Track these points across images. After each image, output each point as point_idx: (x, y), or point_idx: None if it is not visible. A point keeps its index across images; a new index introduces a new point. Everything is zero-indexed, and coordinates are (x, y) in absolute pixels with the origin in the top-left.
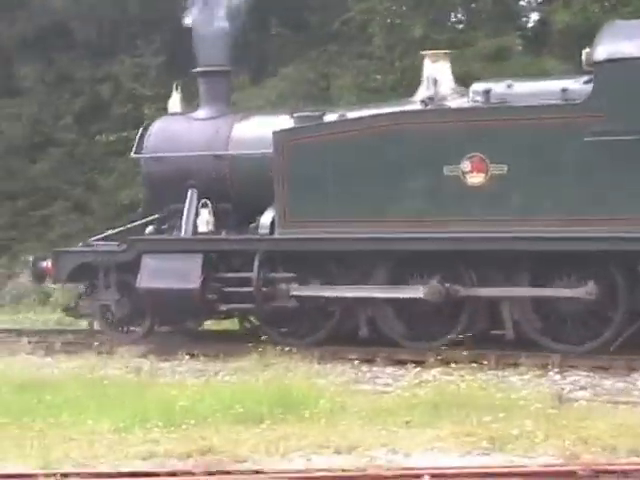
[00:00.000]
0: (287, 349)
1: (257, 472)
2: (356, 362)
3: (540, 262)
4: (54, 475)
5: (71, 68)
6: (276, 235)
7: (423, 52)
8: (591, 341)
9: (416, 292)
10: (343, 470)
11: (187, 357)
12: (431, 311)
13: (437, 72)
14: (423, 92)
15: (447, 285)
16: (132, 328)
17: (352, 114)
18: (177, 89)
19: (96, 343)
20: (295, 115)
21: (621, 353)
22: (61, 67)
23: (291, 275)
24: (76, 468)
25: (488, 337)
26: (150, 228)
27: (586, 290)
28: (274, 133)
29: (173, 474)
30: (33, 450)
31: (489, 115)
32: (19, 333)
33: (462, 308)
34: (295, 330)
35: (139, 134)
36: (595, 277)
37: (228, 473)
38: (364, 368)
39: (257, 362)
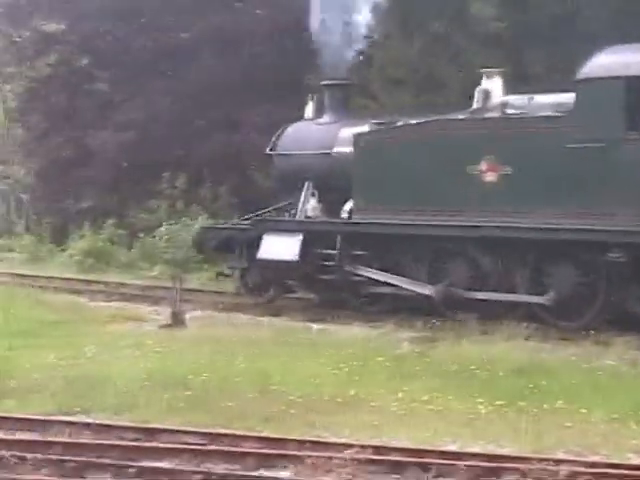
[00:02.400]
0: None
1: None
2: None
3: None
4: (547, 461)
5: None
6: (351, 219)
7: (481, 70)
8: None
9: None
10: None
11: None
12: None
13: (490, 86)
14: (475, 104)
15: None
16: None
17: (413, 121)
18: (312, 98)
19: (592, 332)
20: (371, 121)
21: None
22: None
23: (364, 253)
24: (569, 455)
25: None
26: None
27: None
28: (353, 135)
29: None
30: (527, 434)
31: (497, 124)
32: None
33: None
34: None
35: (275, 135)
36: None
37: None
38: None
39: None
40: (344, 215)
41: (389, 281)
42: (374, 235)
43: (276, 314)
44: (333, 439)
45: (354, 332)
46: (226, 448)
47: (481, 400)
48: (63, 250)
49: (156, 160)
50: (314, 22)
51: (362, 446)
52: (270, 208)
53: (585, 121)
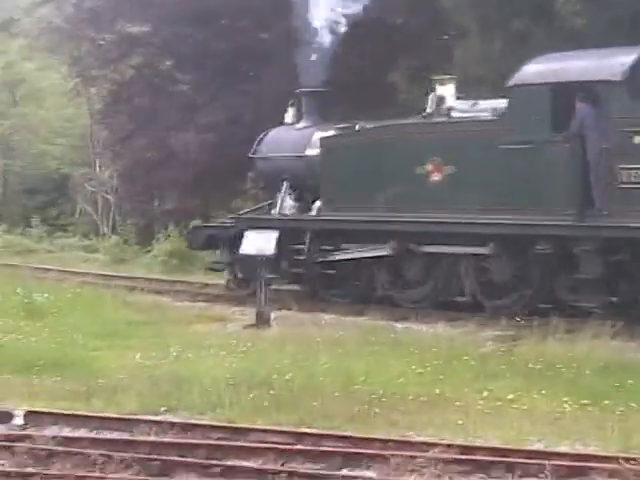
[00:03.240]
0: None
1: None
2: None
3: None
4: (634, 460)
5: None
6: (318, 217)
7: (434, 77)
8: None
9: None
10: None
11: None
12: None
13: (443, 92)
14: (428, 109)
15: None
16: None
17: (370, 125)
18: (292, 105)
19: None
20: (335, 126)
21: None
22: None
23: (330, 247)
24: None
25: None
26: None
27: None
28: (320, 139)
29: None
30: (614, 433)
31: (441, 128)
32: None
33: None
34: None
35: (257, 139)
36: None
37: None
38: None
39: None
40: (313, 212)
41: (352, 256)
42: (338, 230)
43: (360, 313)
44: (417, 438)
45: (438, 331)
46: (310, 447)
47: (566, 399)
48: (148, 251)
49: (239, 160)
50: None
51: (447, 445)
52: (253, 207)
53: (516, 124)
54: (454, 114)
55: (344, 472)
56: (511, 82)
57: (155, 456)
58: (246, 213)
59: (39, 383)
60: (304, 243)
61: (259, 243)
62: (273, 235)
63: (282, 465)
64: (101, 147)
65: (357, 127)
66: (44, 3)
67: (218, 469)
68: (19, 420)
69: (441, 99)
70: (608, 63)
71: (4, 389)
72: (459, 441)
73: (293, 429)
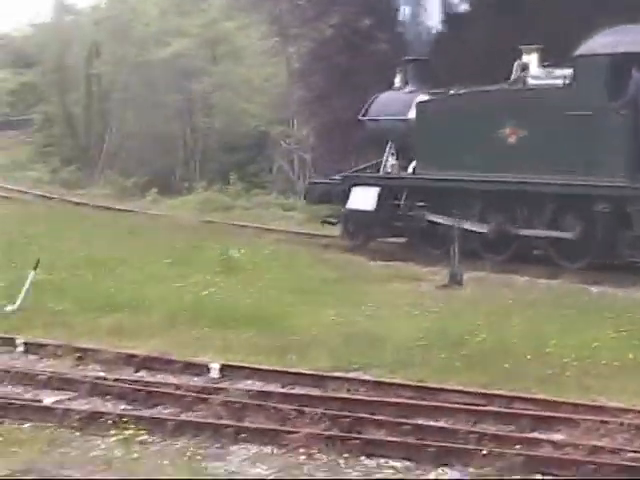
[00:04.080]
0: None
1: None
2: None
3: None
4: None
5: None
6: (413, 175)
7: (520, 46)
8: None
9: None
10: None
11: None
12: None
13: (527, 60)
14: (513, 76)
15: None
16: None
17: (463, 92)
18: (400, 71)
19: None
20: (430, 91)
21: None
22: None
23: (424, 204)
24: None
25: None
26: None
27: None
28: (415, 104)
29: None
30: None
31: (516, 95)
32: None
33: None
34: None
35: (367, 103)
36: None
37: None
38: None
39: None
40: (410, 171)
41: (454, 224)
42: (430, 188)
43: (554, 276)
44: (609, 404)
45: (635, 296)
46: (501, 409)
47: None
48: None
49: None
50: None
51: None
52: (363, 165)
53: (579, 92)
54: (531, 81)
55: (534, 435)
56: (576, 52)
57: (346, 412)
58: (356, 171)
59: (235, 337)
60: (401, 199)
61: (362, 199)
62: (374, 191)
63: (473, 426)
64: (299, 105)
65: (450, 93)
66: None
67: (408, 427)
68: (215, 373)
69: (525, 67)
70: None
71: (201, 342)
72: None
73: (484, 390)
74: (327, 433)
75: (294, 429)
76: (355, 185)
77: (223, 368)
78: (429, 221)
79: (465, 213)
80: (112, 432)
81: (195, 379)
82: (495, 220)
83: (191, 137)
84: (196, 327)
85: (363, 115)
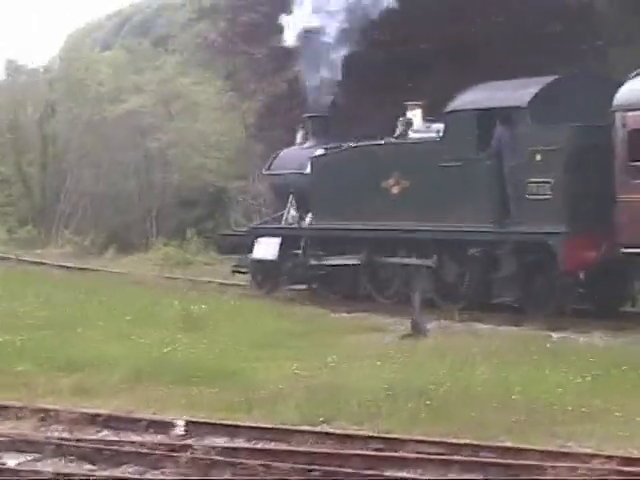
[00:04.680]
0: None
1: None
2: None
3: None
4: None
5: None
6: (309, 226)
7: (405, 102)
8: None
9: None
10: None
11: None
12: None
13: (411, 116)
14: (398, 131)
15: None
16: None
17: (352, 146)
18: (302, 127)
19: None
20: (324, 146)
21: None
22: None
23: (320, 252)
24: None
25: None
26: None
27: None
28: (310, 158)
29: None
30: None
31: (398, 148)
32: None
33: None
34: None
35: (271, 158)
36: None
37: None
38: None
39: None
40: (307, 222)
41: (334, 262)
42: (325, 237)
43: (515, 323)
44: (578, 449)
45: (595, 341)
46: (469, 458)
47: None
48: None
49: None
50: None
51: (608, 457)
52: (270, 217)
53: (451, 145)
54: (412, 135)
55: None
56: (448, 108)
57: (315, 466)
58: (262, 223)
59: (198, 394)
60: (300, 248)
61: (265, 249)
62: (276, 242)
63: (441, 475)
64: (256, 160)
65: (344, 147)
66: (200, 19)
67: (378, 479)
68: (180, 430)
69: (409, 121)
70: (518, 92)
71: (164, 400)
72: (620, 453)
73: (451, 440)
74: None
75: None
76: (260, 236)
77: (188, 425)
78: (328, 266)
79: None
80: None
81: (160, 437)
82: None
83: (148, 194)
84: (159, 384)
85: (267, 169)
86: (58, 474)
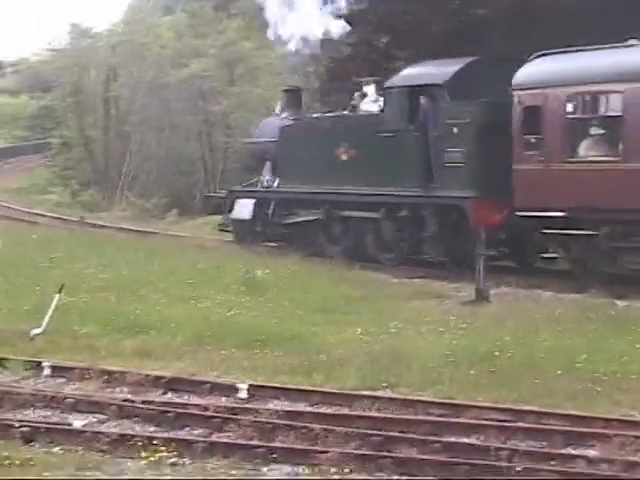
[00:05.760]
0: None
1: None
2: None
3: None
4: None
5: None
6: (276, 189)
7: (360, 79)
8: None
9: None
10: None
11: None
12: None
13: (366, 91)
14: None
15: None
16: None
17: (311, 117)
18: (281, 99)
19: None
20: (289, 117)
21: None
22: None
23: (286, 212)
24: None
25: None
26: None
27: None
28: (278, 127)
29: None
30: None
31: (348, 120)
32: None
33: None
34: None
35: (252, 128)
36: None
37: None
38: None
39: None
40: (275, 185)
41: (301, 219)
42: (288, 199)
43: (579, 290)
44: None
45: None
46: (532, 425)
47: None
48: None
49: None
50: None
51: None
52: (251, 181)
53: (387, 117)
54: (362, 107)
55: (567, 450)
56: (386, 84)
57: (376, 431)
58: (245, 186)
59: (261, 357)
60: (270, 209)
61: (242, 209)
62: (251, 203)
63: (504, 442)
64: None
65: (306, 118)
66: None
67: (438, 445)
68: (243, 393)
69: (364, 96)
70: (440, 71)
71: (228, 363)
72: None
73: (514, 406)
74: (358, 452)
75: (325, 449)
76: (238, 198)
77: (251, 388)
78: (290, 225)
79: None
80: (142, 454)
81: (223, 400)
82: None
83: (210, 157)
84: (222, 348)
85: (248, 138)
86: (123, 435)
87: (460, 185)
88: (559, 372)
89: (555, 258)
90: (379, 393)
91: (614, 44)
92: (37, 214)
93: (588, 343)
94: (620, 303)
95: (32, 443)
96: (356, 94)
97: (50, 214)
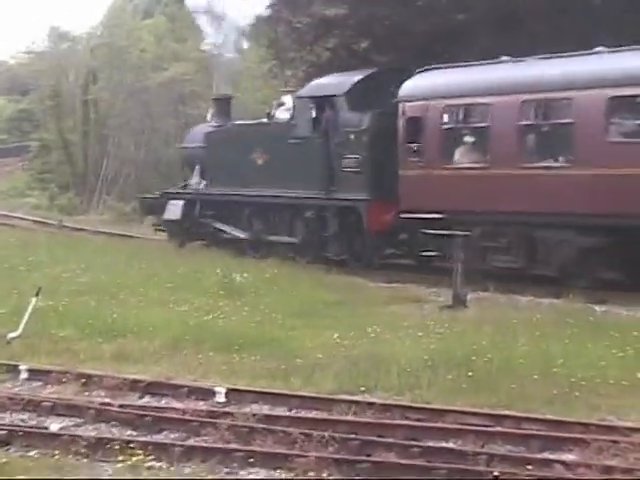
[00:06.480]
0: None
1: None
2: None
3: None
4: None
5: None
6: (203, 191)
7: (280, 89)
8: None
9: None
10: None
11: None
12: None
13: (283, 100)
14: (272, 112)
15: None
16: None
17: (232, 124)
18: (211, 107)
19: None
20: (213, 124)
21: None
22: None
23: (212, 213)
24: None
25: None
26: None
27: None
28: (204, 133)
29: None
30: None
31: (263, 127)
32: None
33: None
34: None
35: (185, 133)
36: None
37: None
38: None
39: None
40: (201, 187)
41: (226, 229)
42: (212, 201)
43: (557, 296)
44: (619, 423)
45: (638, 315)
46: (510, 430)
47: None
48: None
49: None
50: None
51: None
52: (183, 184)
53: (296, 125)
54: (278, 116)
55: (544, 455)
56: (296, 94)
57: (354, 435)
58: (181, 188)
59: (239, 361)
60: (196, 209)
61: (172, 210)
62: (180, 204)
63: (482, 447)
64: None
65: (228, 125)
66: None
67: (417, 450)
68: (221, 397)
69: (281, 104)
70: (340, 82)
71: (206, 367)
72: None
73: (492, 411)
74: (336, 456)
75: (303, 453)
76: (170, 199)
77: (229, 392)
78: (215, 228)
79: (237, 220)
80: (119, 458)
81: (201, 404)
82: (255, 227)
83: None
84: (200, 352)
85: (182, 143)
86: (100, 439)
87: (356, 189)
88: (537, 377)
89: (433, 256)
90: (357, 397)
91: (486, 60)
92: (16, 217)
93: (566, 348)
94: (599, 309)
95: (8, 447)
96: (274, 102)
97: (29, 217)
